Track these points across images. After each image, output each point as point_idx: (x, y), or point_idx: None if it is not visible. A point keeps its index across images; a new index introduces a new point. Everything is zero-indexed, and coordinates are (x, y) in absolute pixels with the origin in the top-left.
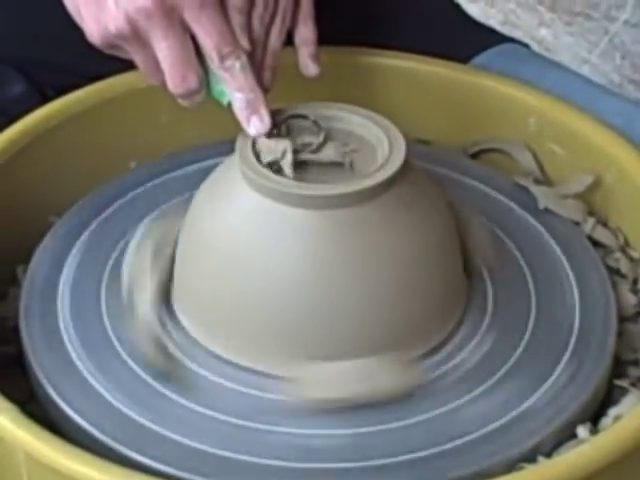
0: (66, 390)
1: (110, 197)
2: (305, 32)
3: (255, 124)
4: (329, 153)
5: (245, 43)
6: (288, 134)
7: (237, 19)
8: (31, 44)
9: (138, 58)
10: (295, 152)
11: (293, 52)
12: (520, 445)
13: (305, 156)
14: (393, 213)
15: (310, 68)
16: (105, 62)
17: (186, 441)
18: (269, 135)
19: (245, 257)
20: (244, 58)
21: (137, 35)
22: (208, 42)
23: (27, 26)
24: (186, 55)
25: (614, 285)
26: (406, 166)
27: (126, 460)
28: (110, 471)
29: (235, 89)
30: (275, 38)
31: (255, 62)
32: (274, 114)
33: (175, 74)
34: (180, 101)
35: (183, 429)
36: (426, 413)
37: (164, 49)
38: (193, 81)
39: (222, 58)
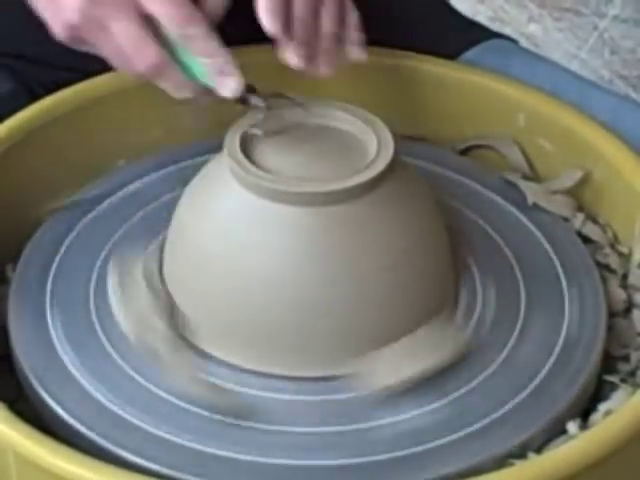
0: (55, 389)
1: (99, 196)
2: (350, 17)
3: (228, 85)
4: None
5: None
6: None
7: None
8: (14, 39)
9: (103, 48)
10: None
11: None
12: (510, 441)
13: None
14: (382, 210)
15: (355, 53)
16: (85, 53)
17: (177, 440)
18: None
19: (235, 256)
20: (205, 26)
21: (93, 23)
22: (163, 13)
23: (9, 20)
24: (141, 33)
25: (604, 280)
26: (395, 163)
27: (116, 459)
28: (100, 470)
29: (201, 54)
30: (330, 23)
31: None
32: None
33: (134, 53)
34: (164, 87)
35: (174, 428)
36: (411, 410)
37: (119, 32)
38: (153, 55)
39: (182, 27)
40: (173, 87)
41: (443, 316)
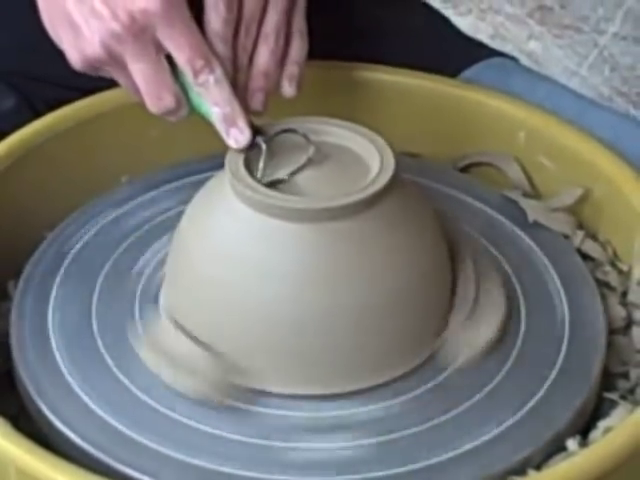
0: (57, 405)
1: (101, 212)
2: (292, 50)
3: (235, 136)
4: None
5: (223, 52)
6: (277, 148)
7: (220, 48)
8: (20, 57)
9: (120, 79)
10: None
11: None
12: (509, 458)
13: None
14: (384, 226)
15: (285, 89)
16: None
17: (178, 455)
18: (251, 147)
19: (234, 270)
20: (219, 72)
21: (113, 58)
22: (180, 57)
23: (15, 39)
24: (160, 76)
25: (603, 298)
26: (396, 179)
27: (118, 475)
28: None
29: (212, 103)
30: (265, 60)
31: (240, 86)
32: (262, 129)
33: (151, 94)
34: (164, 117)
35: (176, 444)
36: (413, 428)
37: (138, 71)
38: (169, 101)
39: (196, 73)
40: (174, 119)
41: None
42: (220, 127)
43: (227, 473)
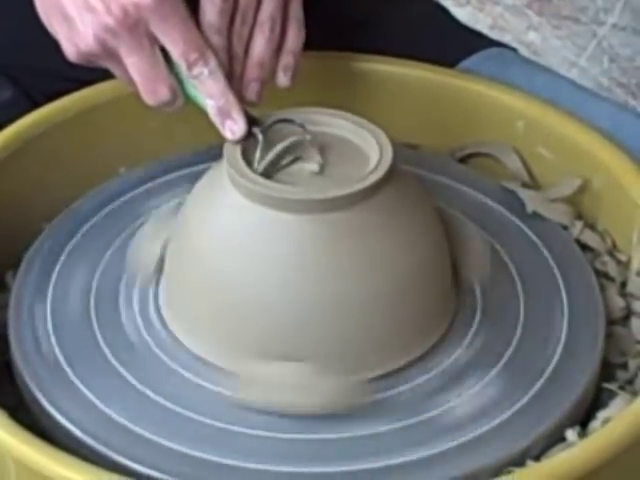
0: (55, 397)
1: (99, 203)
2: (288, 39)
3: (231, 128)
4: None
5: (218, 43)
6: (274, 139)
7: (215, 39)
8: (17, 49)
9: (115, 72)
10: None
11: None
12: (509, 449)
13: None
14: (382, 217)
15: (279, 79)
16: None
17: (175, 446)
18: (247, 137)
19: (233, 261)
20: (213, 64)
21: (108, 52)
22: (174, 50)
23: (12, 32)
24: (155, 69)
25: (602, 288)
26: (394, 170)
27: (116, 465)
28: (100, 477)
29: (206, 95)
30: (260, 49)
31: (235, 76)
32: (259, 120)
33: (146, 87)
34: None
35: (173, 435)
36: (411, 418)
37: (132, 64)
38: (164, 94)
39: (189, 66)
40: (170, 110)
41: (442, 326)
42: (215, 119)
43: (228, 465)
